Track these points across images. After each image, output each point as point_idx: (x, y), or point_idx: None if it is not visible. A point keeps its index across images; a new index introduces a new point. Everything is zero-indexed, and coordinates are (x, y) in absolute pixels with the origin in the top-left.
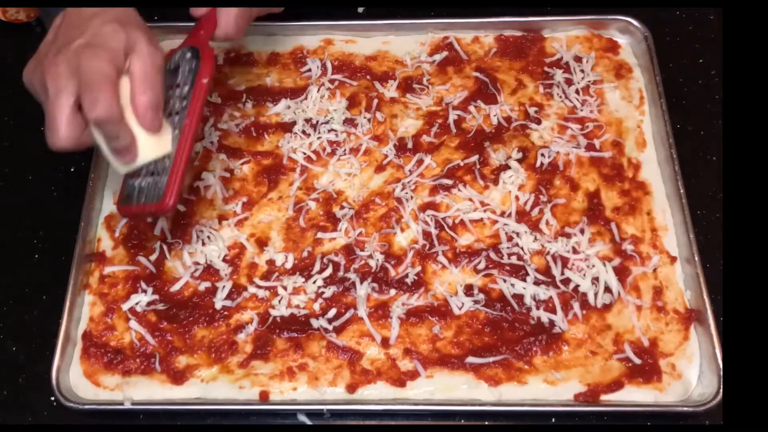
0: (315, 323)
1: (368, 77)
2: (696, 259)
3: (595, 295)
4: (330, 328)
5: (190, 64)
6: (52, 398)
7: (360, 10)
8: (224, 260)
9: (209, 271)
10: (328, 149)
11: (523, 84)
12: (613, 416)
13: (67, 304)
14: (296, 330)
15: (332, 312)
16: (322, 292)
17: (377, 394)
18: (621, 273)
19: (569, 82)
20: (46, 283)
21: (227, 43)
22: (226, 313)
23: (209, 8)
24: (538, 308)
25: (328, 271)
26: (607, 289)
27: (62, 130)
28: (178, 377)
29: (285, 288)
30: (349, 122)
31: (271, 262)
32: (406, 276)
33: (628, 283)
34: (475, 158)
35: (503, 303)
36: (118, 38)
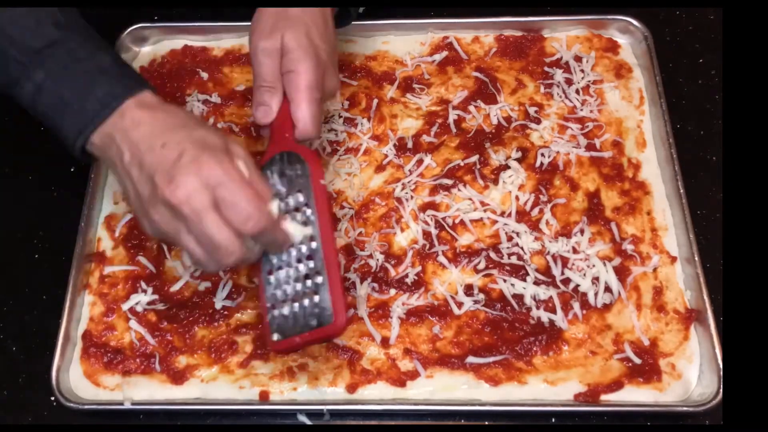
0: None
1: (368, 77)
2: (696, 259)
3: (595, 294)
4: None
5: (291, 169)
6: (52, 398)
7: (360, 10)
8: None
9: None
10: (328, 149)
11: (523, 84)
12: (613, 416)
13: (67, 304)
14: None
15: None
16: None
17: (377, 394)
18: (621, 273)
19: (569, 81)
20: (46, 283)
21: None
22: (226, 313)
23: (276, 110)
24: (538, 308)
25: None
26: (607, 289)
27: (233, 245)
28: (178, 377)
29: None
30: (349, 122)
31: None
32: (406, 276)
33: (628, 283)
34: (475, 158)
35: (503, 303)
36: (217, 138)
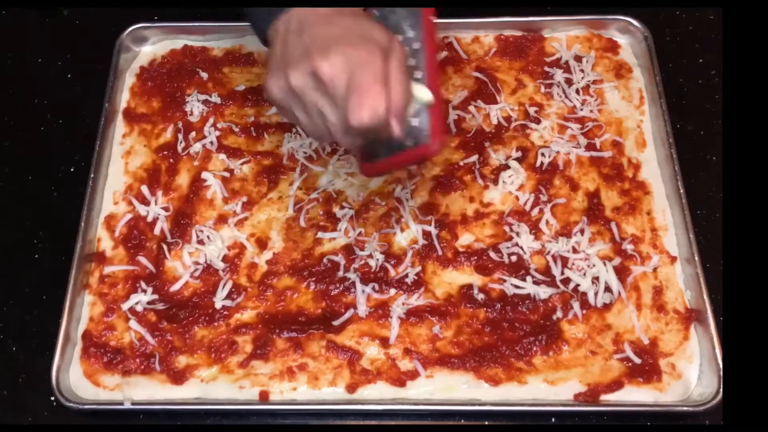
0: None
1: None
2: (696, 259)
3: (595, 294)
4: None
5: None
6: (52, 398)
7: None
8: (224, 260)
9: (209, 271)
10: (328, 149)
11: (523, 84)
12: (613, 416)
13: (67, 304)
14: (296, 330)
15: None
16: (323, 292)
17: (377, 394)
18: (621, 273)
19: (569, 81)
20: (46, 283)
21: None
22: (226, 313)
23: None
24: (538, 308)
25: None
26: (607, 289)
27: (339, 133)
28: (178, 377)
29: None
30: None
31: (270, 262)
32: (406, 276)
33: (628, 282)
34: (475, 158)
35: (503, 303)
36: (383, 35)
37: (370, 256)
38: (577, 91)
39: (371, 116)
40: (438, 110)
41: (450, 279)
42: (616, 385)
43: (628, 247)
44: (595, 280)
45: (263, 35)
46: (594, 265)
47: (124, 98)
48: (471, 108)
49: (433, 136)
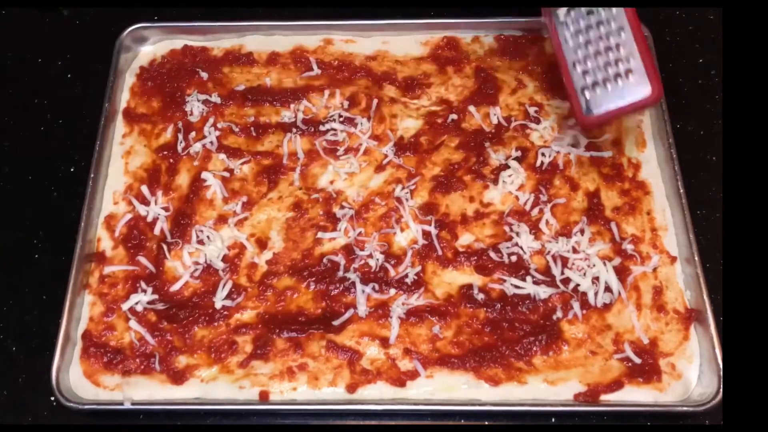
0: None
1: (368, 77)
2: (696, 259)
3: (595, 294)
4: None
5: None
6: (52, 398)
7: None
8: (224, 260)
9: (209, 271)
10: (328, 149)
11: (523, 84)
12: (613, 416)
13: (67, 304)
14: (296, 330)
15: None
16: (323, 292)
17: (377, 394)
18: (621, 272)
19: None
20: (46, 283)
21: (230, 43)
22: (226, 313)
23: None
24: (538, 308)
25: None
26: (607, 289)
27: None
28: (178, 377)
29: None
30: (349, 122)
31: (270, 262)
32: (406, 276)
33: (628, 282)
34: (475, 158)
35: (503, 303)
36: None
37: (370, 256)
38: None
39: None
40: (649, 62)
41: (450, 279)
42: (616, 385)
43: (628, 247)
44: (595, 280)
45: None
46: (594, 265)
47: (124, 98)
48: (471, 108)
49: (651, 84)
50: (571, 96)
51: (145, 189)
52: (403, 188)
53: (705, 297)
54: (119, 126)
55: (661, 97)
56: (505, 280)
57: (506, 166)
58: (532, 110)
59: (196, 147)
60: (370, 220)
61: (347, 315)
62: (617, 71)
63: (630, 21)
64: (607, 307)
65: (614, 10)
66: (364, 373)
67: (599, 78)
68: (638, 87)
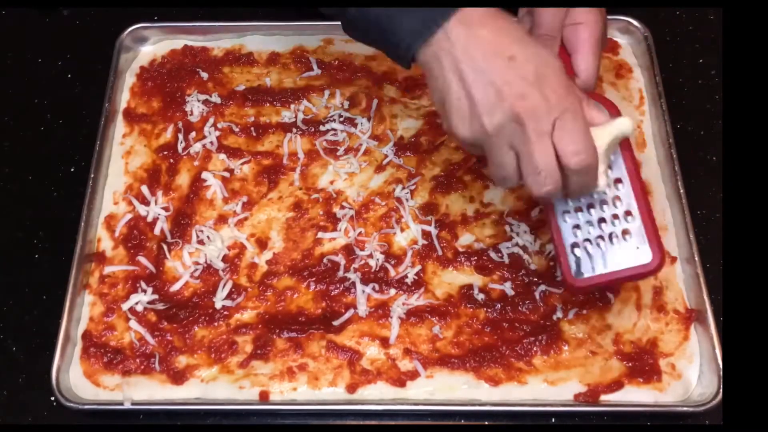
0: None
1: (368, 77)
2: (696, 259)
3: (596, 294)
4: (330, 328)
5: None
6: (52, 398)
7: None
8: (224, 260)
9: (209, 271)
10: (329, 149)
11: None
12: (613, 416)
13: (67, 304)
14: (296, 330)
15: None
16: (323, 292)
17: (377, 394)
18: None
19: None
20: (46, 283)
21: (230, 43)
22: (226, 313)
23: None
24: (538, 308)
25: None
26: (608, 289)
27: (553, 175)
28: (178, 377)
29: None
30: (350, 122)
31: (270, 262)
32: (406, 276)
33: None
34: (475, 158)
35: (503, 303)
36: (557, 62)
37: (370, 256)
38: None
39: (588, 157)
40: (651, 227)
41: (450, 279)
42: (616, 385)
43: None
44: None
45: (404, 54)
46: None
47: (124, 98)
48: None
49: (653, 253)
50: (559, 253)
51: (145, 189)
52: (403, 188)
53: (705, 297)
54: (119, 126)
55: (662, 266)
56: (506, 280)
57: None
58: None
59: (197, 147)
60: (370, 220)
61: (347, 315)
62: (613, 230)
63: (629, 172)
64: (607, 307)
65: (612, 155)
66: (364, 374)
67: (592, 235)
68: (636, 252)
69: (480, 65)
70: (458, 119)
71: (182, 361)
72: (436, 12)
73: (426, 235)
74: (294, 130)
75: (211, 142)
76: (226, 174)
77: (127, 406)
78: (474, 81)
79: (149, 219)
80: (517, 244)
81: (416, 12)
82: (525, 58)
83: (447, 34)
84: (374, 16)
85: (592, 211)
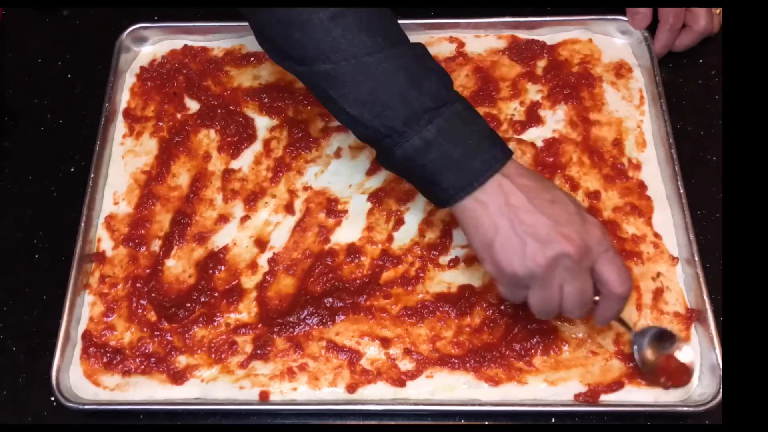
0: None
1: None
2: (696, 259)
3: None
4: (330, 328)
5: None
6: (52, 398)
7: None
8: (224, 260)
9: (209, 271)
10: (330, 150)
11: (523, 84)
12: (614, 416)
13: (67, 304)
14: (296, 330)
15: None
16: (322, 292)
17: (377, 394)
18: None
19: (569, 81)
20: (46, 283)
21: (230, 43)
22: (226, 313)
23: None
24: None
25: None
26: None
27: (590, 303)
28: (178, 377)
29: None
30: None
31: (271, 262)
32: (407, 275)
33: None
34: None
35: (504, 303)
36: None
37: (371, 255)
38: (578, 91)
39: (631, 285)
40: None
41: (450, 279)
42: (616, 385)
43: (629, 247)
44: None
45: (445, 200)
46: None
47: (124, 98)
48: None
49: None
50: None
51: (145, 189)
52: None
53: (705, 297)
54: (119, 126)
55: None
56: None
57: None
58: (532, 110)
59: (197, 147)
60: (371, 220)
61: (347, 315)
62: None
63: None
64: None
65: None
66: (364, 374)
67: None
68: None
69: (528, 207)
70: (511, 256)
71: (182, 361)
72: (483, 170)
73: (426, 234)
74: (293, 130)
75: (212, 142)
76: (227, 174)
77: (127, 406)
78: (525, 221)
79: (149, 219)
80: None
81: (463, 170)
82: (564, 200)
83: (495, 184)
84: (428, 168)
85: None
